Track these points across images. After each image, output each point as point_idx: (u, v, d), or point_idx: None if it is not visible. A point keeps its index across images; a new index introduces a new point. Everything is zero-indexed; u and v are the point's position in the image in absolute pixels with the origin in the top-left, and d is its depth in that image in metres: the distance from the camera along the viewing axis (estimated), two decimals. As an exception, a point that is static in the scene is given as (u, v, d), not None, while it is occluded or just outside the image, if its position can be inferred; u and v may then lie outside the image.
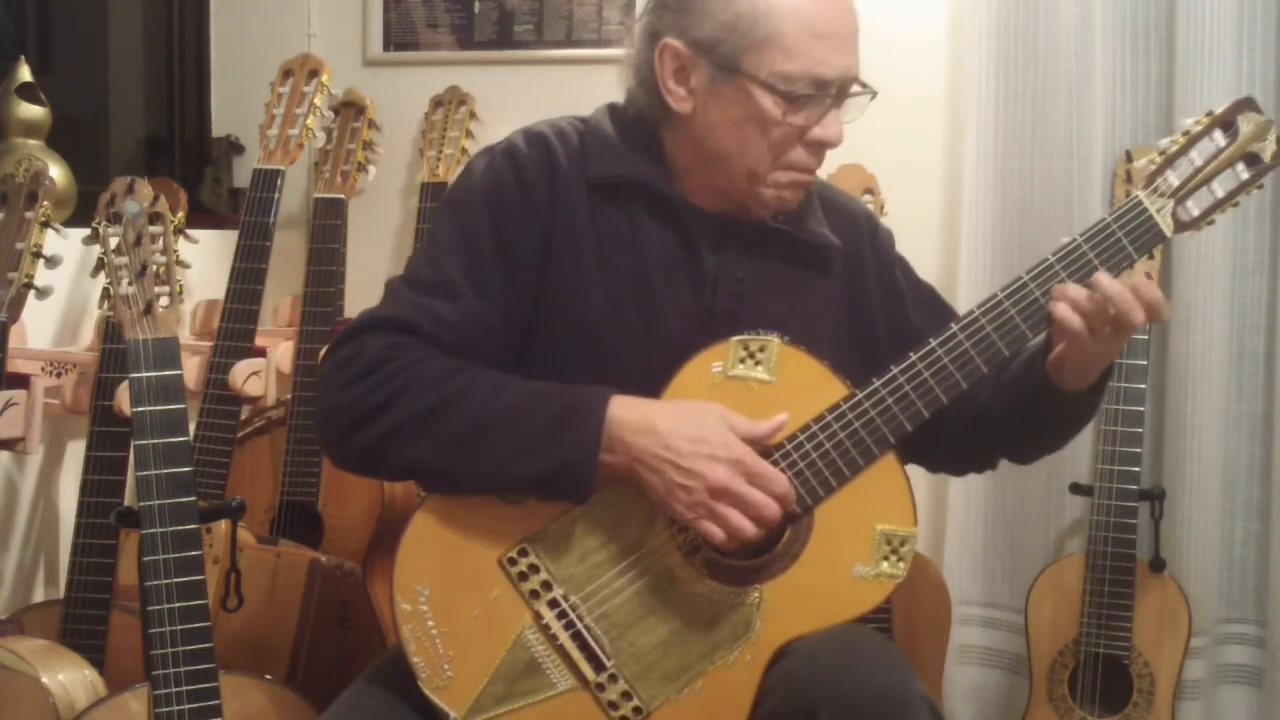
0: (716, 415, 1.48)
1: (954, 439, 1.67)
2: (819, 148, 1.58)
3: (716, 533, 1.45)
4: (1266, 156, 1.56)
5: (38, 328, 2.39)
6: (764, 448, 1.51)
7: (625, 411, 1.47)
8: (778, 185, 1.58)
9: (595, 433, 1.46)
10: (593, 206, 1.59)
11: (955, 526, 2.69)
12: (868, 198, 2.63)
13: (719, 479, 1.44)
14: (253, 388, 2.43)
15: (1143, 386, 2.45)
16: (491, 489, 1.50)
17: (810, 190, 1.69)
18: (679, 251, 1.60)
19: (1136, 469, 2.44)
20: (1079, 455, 2.58)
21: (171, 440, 1.77)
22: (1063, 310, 1.50)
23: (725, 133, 1.56)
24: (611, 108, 1.67)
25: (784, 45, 1.51)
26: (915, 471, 1.66)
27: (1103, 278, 1.49)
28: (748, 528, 1.45)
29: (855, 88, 1.57)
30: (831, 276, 1.69)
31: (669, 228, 1.60)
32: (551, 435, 1.46)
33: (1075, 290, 1.50)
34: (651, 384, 1.52)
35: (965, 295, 2.60)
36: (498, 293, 1.56)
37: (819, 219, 1.68)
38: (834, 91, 1.54)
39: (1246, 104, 1.57)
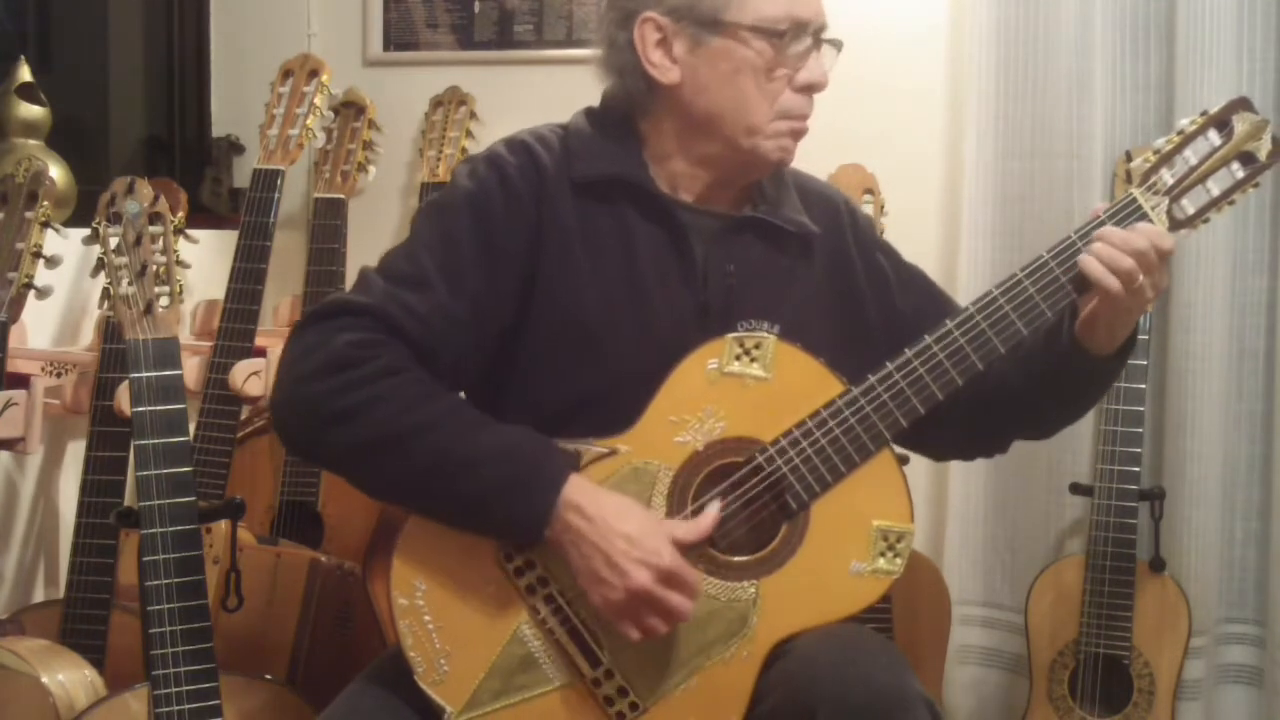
0: (657, 522, 1.49)
1: (966, 421, 1.66)
2: (808, 91, 1.61)
3: (633, 633, 1.46)
4: (1262, 156, 1.57)
5: (38, 328, 2.39)
6: (757, 444, 1.52)
7: (577, 494, 1.47)
8: (778, 135, 1.61)
9: (546, 507, 1.46)
10: (580, 208, 1.60)
11: (955, 526, 2.69)
12: (868, 198, 2.63)
13: (639, 583, 1.44)
14: (253, 388, 2.43)
15: (1143, 386, 2.46)
16: (440, 523, 1.51)
17: (786, 179, 1.71)
18: (668, 246, 1.61)
19: (1136, 469, 2.44)
20: (1079, 455, 2.58)
21: (171, 440, 1.78)
22: (1093, 264, 1.51)
23: (718, 90, 1.59)
24: (589, 111, 1.69)
25: None
26: (915, 470, 1.67)
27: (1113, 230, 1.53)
28: (659, 630, 1.46)
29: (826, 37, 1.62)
30: (815, 264, 1.69)
31: (657, 224, 1.62)
32: (503, 498, 1.46)
33: (1100, 244, 1.52)
34: (648, 381, 1.52)
35: (965, 295, 2.59)
36: (472, 290, 1.56)
37: (797, 207, 1.70)
38: (812, 32, 1.59)
39: (1241, 104, 1.58)
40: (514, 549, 1.50)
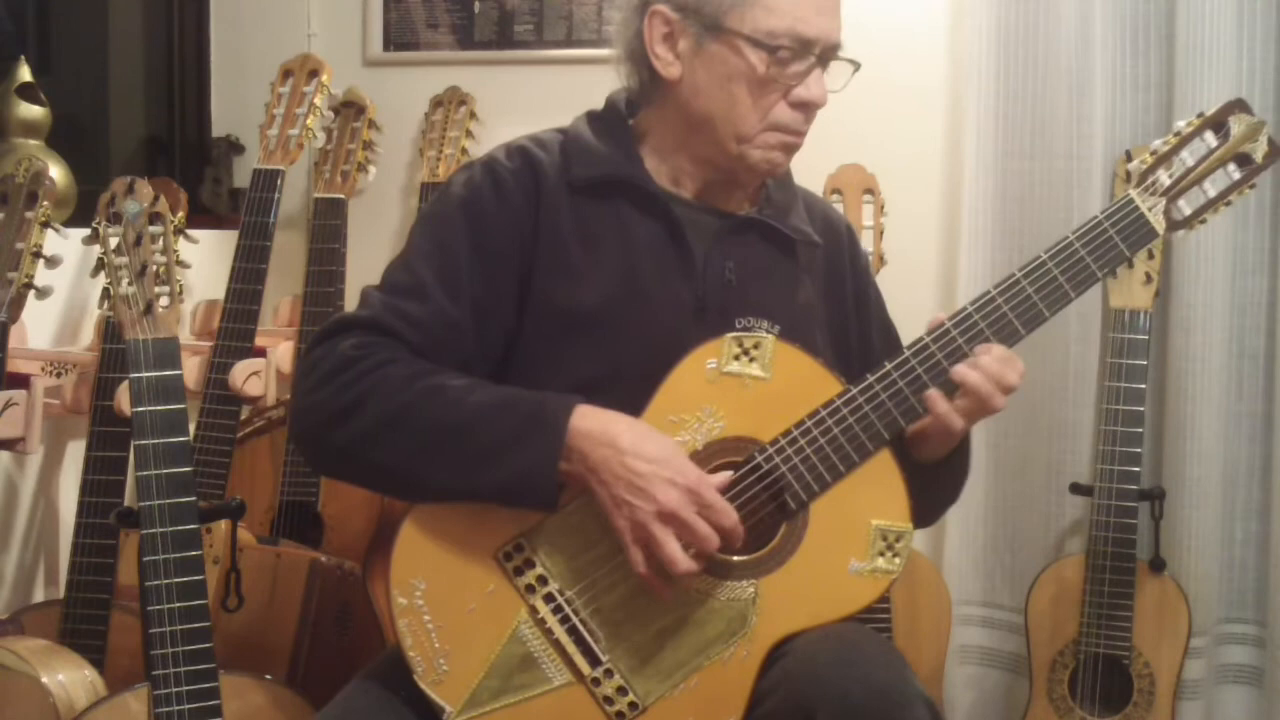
0: (676, 445, 1.49)
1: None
2: (804, 108, 1.61)
3: (640, 563, 1.45)
4: (1258, 157, 1.58)
5: (38, 328, 2.39)
6: (756, 444, 1.52)
7: (587, 422, 1.47)
8: (766, 146, 1.61)
9: (556, 441, 1.46)
10: (577, 209, 1.61)
11: (955, 526, 2.69)
12: (868, 198, 2.63)
13: (670, 502, 1.43)
14: (253, 388, 2.43)
15: (1143, 386, 2.45)
16: (457, 497, 1.49)
17: (794, 188, 1.73)
18: (666, 241, 1.62)
19: (1136, 469, 2.43)
20: (1079, 455, 2.58)
21: (171, 440, 1.78)
22: (939, 403, 1.53)
23: (712, 93, 1.59)
24: (589, 114, 1.71)
25: (765, 2, 1.55)
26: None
27: (959, 370, 1.52)
28: (681, 561, 1.43)
29: (838, 56, 1.61)
30: (815, 274, 1.71)
31: (655, 220, 1.63)
32: (513, 443, 1.47)
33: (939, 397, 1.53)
34: (648, 377, 1.53)
35: (965, 296, 2.60)
36: (470, 295, 1.57)
37: (802, 217, 1.71)
38: (817, 51, 1.58)
39: (1237, 105, 1.59)
40: (514, 548, 1.51)
